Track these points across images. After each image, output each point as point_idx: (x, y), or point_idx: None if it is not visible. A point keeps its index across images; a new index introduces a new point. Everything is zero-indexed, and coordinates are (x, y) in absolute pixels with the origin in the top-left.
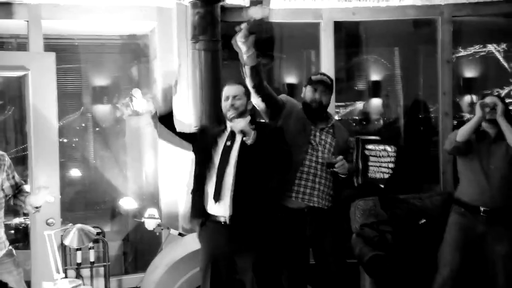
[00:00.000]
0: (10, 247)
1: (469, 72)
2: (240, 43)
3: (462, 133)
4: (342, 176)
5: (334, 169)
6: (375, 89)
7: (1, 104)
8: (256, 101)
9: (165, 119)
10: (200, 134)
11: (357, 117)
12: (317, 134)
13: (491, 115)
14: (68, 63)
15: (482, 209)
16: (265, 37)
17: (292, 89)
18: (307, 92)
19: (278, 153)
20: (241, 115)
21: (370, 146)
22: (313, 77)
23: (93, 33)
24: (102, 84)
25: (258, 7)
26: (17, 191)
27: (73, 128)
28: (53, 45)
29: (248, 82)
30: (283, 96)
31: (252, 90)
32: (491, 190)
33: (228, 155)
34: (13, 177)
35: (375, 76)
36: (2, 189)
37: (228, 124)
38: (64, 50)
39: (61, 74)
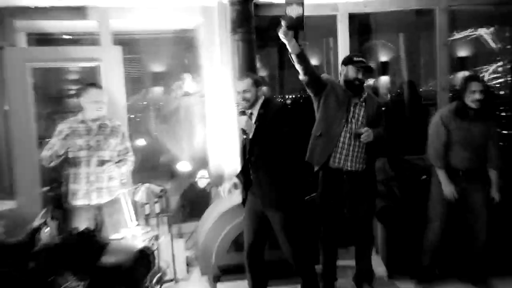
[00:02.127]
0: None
1: (463, 52)
2: (282, 38)
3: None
4: (368, 141)
5: (361, 139)
6: (383, 68)
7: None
8: (304, 79)
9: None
10: None
11: None
12: (351, 108)
13: None
14: (132, 54)
15: (461, 171)
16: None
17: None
18: (350, 71)
19: (280, 131)
20: (252, 104)
21: None
22: (355, 58)
23: (150, 29)
24: (159, 70)
25: (294, 5)
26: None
27: (137, 106)
28: (119, 39)
29: (297, 67)
30: (324, 76)
31: (300, 73)
32: (468, 156)
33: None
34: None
35: (383, 58)
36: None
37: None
38: (128, 44)
39: (127, 63)
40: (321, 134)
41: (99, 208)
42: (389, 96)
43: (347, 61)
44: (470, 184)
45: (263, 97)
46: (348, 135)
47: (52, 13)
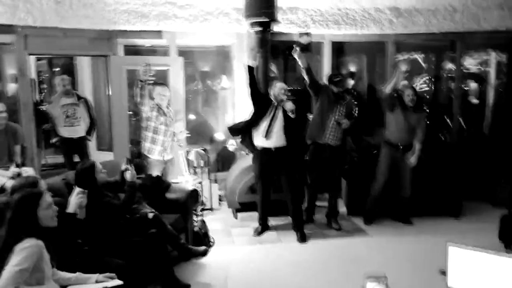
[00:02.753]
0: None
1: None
2: (296, 58)
3: (387, 87)
4: (345, 127)
5: (341, 126)
6: (351, 75)
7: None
8: (308, 84)
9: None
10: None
11: None
12: (338, 106)
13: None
14: (189, 60)
15: (400, 145)
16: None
17: None
18: (333, 88)
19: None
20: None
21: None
22: (334, 79)
23: (201, 44)
24: (206, 70)
25: (304, 36)
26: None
27: (191, 91)
28: (182, 51)
29: (305, 76)
30: (322, 82)
31: (307, 80)
32: (405, 134)
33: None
34: None
35: (352, 68)
36: None
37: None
38: (187, 53)
39: (186, 65)
40: (316, 121)
41: (165, 162)
42: (354, 93)
43: (329, 81)
44: (404, 154)
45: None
46: (332, 121)
47: (140, 34)
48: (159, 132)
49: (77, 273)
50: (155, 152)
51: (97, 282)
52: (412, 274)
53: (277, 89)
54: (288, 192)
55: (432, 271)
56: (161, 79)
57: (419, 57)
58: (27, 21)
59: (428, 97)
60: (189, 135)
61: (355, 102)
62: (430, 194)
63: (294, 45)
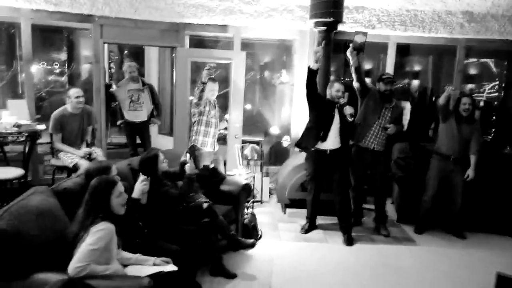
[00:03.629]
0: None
1: (472, 71)
2: (348, 55)
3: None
4: (391, 133)
5: (387, 131)
6: (416, 74)
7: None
8: (356, 85)
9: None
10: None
11: None
12: (383, 110)
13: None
14: (251, 51)
15: (452, 157)
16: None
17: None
18: (381, 86)
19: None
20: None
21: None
22: (383, 76)
23: (266, 38)
24: (266, 62)
25: (360, 34)
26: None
27: (248, 83)
28: (246, 43)
29: (353, 76)
30: (369, 84)
31: (354, 80)
32: (458, 146)
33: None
34: None
35: (416, 68)
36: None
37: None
38: (249, 46)
39: (246, 56)
40: (360, 123)
41: (215, 152)
42: (417, 93)
43: (378, 79)
44: (455, 166)
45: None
46: (378, 127)
47: (206, 27)
48: (211, 125)
49: (137, 254)
50: (208, 144)
51: (154, 264)
52: None
53: (334, 90)
54: (338, 194)
55: None
56: (223, 72)
57: (490, 62)
58: (104, 11)
59: (496, 103)
60: (238, 125)
61: (405, 106)
62: (487, 209)
63: (350, 44)
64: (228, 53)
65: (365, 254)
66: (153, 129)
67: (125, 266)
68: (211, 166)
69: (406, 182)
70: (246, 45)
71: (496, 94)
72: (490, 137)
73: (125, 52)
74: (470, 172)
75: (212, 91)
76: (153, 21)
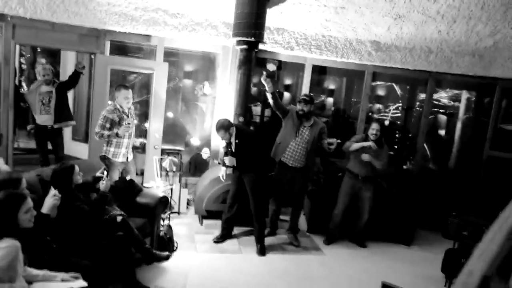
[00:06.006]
0: (133, 154)
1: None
2: (263, 82)
3: (353, 147)
4: (331, 149)
5: (330, 147)
6: (331, 92)
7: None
8: (274, 108)
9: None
10: None
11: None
12: (301, 129)
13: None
14: (175, 59)
15: (360, 176)
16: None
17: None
18: (298, 106)
19: (252, 147)
20: (230, 138)
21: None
22: (300, 98)
23: (188, 49)
24: (189, 71)
25: (271, 64)
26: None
27: (169, 91)
28: (170, 51)
29: (270, 101)
30: (290, 107)
31: (272, 104)
32: (366, 167)
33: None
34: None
35: (331, 86)
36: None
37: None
38: (173, 54)
39: (170, 64)
40: (280, 142)
41: (127, 163)
42: (331, 110)
43: (298, 99)
44: (364, 184)
45: (234, 129)
46: (294, 145)
47: (129, 36)
48: (123, 135)
49: (44, 271)
50: (120, 155)
51: (62, 281)
52: None
53: None
54: (253, 205)
55: None
56: (145, 82)
57: (395, 85)
58: (18, 11)
59: (399, 123)
60: (157, 136)
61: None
62: (386, 220)
63: (263, 71)
64: (150, 63)
65: (276, 263)
66: (67, 132)
67: (31, 283)
68: (128, 177)
69: (317, 195)
70: (171, 53)
71: (399, 114)
72: (393, 153)
73: (38, 49)
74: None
75: (126, 98)
76: (72, 25)
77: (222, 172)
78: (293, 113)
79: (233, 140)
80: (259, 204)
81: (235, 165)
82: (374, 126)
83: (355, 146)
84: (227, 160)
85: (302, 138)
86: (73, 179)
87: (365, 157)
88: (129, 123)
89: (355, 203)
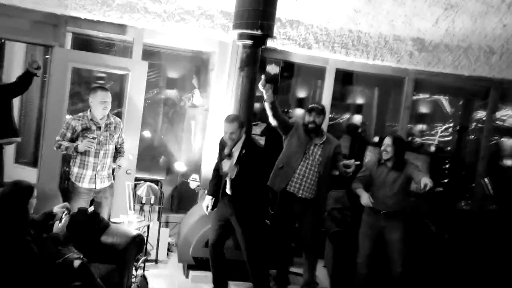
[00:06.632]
0: (113, 182)
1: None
2: (261, 89)
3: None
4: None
5: (347, 170)
6: (358, 108)
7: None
8: (273, 123)
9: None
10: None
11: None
12: (311, 147)
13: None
14: (156, 62)
15: (382, 212)
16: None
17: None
18: (306, 117)
19: (257, 167)
20: (237, 142)
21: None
22: (309, 106)
23: (176, 47)
24: (174, 77)
25: (273, 65)
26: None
27: (149, 103)
28: (150, 51)
29: (268, 112)
30: (294, 120)
31: (270, 117)
32: (388, 201)
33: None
34: (120, 137)
35: (359, 101)
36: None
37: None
38: (154, 55)
39: (149, 68)
40: (282, 166)
41: (98, 191)
42: (360, 130)
43: (306, 110)
44: (388, 221)
45: (245, 135)
46: (304, 168)
47: (98, 25)
48: (90, 153)
49: None
50: (85, 179)
51: None
52: None
53: None
54: (246, 254)
55: None
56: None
57: (444, 99)
58: None
59: (448, 149)
60: (131, 157)
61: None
62: (434, 276)
63: (262, 75)
64: (125, 61)
65: None
66: (8, 152)
67: None
68: (90, 209)
69: (342, 238)
70: (151, 54)
71: (450, 138)
72: (442, 189)
73: None
74: (425, 180)
75: (103, 103)
76: (21, 7)
77: (207, 202)
78: (298, 128)
79: (237, 149)
80: (255, 253)
81: (232, 177)
82: (386, 141)
83: (358, 192)
84: (226, 165)
85: (313, 159)
86: (28, 206)
87: (365, 200)
88: (94, 137)
89: (382, 249)
